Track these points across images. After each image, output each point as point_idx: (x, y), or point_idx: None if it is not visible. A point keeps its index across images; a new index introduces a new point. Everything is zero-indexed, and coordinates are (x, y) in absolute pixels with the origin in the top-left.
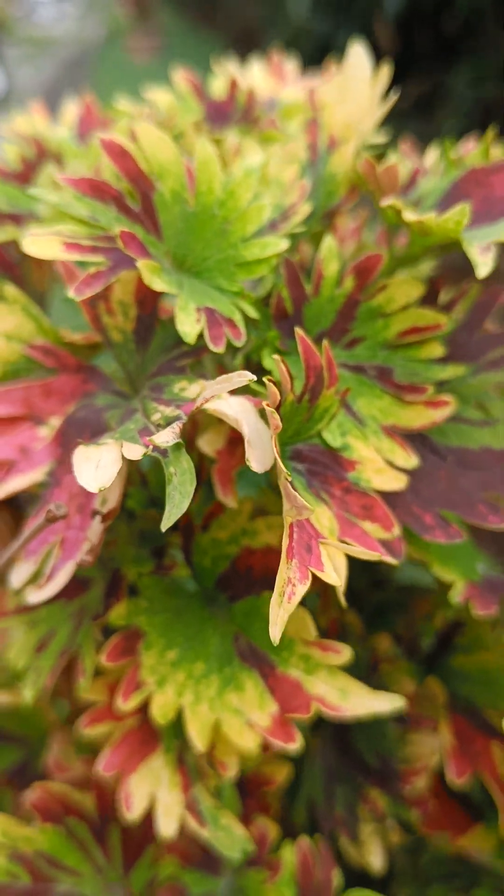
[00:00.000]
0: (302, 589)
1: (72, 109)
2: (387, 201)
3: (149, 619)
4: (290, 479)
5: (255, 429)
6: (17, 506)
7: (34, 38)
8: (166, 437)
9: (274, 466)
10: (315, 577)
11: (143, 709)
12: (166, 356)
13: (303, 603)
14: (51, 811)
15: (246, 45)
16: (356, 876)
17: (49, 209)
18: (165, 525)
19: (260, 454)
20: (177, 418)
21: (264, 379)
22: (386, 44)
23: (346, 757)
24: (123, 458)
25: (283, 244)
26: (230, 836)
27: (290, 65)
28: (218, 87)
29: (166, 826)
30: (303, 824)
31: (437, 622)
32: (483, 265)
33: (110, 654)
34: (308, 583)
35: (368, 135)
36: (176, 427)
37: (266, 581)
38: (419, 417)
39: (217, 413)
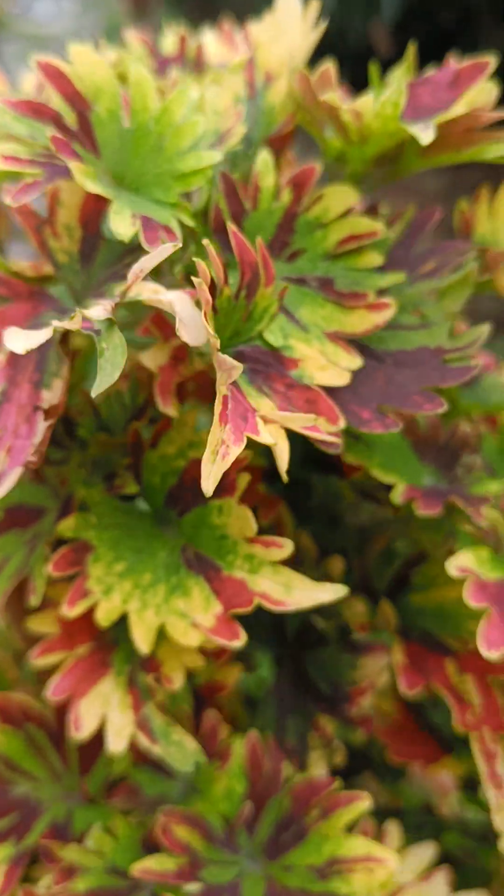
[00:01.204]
0: (236, 450)
1: (30, 78)
2: (323, 96)
3: (98, 534)
4: (218, 346)
5: (189, 309)
6: None
7: (31, 35)
8: (97, 312)
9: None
10: (269, 505)
11: (95, 637)
12: (111, 269)
13: (246, 504)
14: (10, 715)
15: None
16: None
17: None
18: (95, 392)
19: (193, 331)
20: (111, 299)
21: (195, 259)
22: (383, 46)
23: (300, 688)
24: (63, 347)
25: (217, 155)
26: (182, 751)
27: (240, 35)
28: (168, 43)
29: (116, 743)
30: None
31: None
32: (425, 136)
33: (57, 563)
34: (242, 445)
35: (301, 62)
36: (108, 304)
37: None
38: (362, 322)
39: (152, 301)
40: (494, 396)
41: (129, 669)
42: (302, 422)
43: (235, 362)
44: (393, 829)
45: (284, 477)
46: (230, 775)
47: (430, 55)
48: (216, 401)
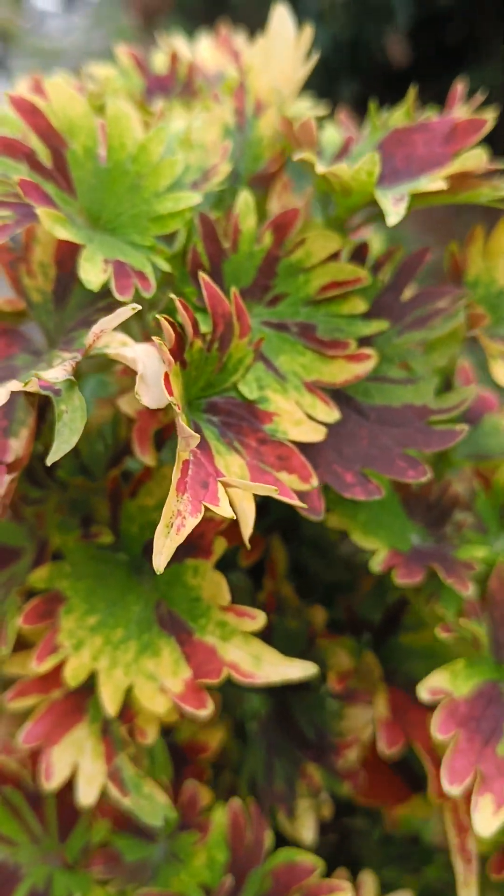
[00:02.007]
0: (192, 521)
1: (22, 86)
2: (299, 155)
3: (72, 584)
4: (178, 411)
5: (152, 368)
6: None
7: (42, 50)
8: (56, 374)
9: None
10: (256, 543)
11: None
12: (83, 313)
13: (223, 570)
14: None
15: None
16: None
17: None
18: (51, 460)
19: (154, 391)
20: (72, 358)
21: (157, 315)
22: (398, 55)
23: (286, 731)
24: (28, 401)
25: (196, 198)
26: (152, 804)
27: (239, 39)
28: (160, 61)
29: (86, 794)
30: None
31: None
32: (394, 214)
33: (28, 615)
34: (199, 516)
35: (289, 98)
36: (68, 365)
37: (190, 548)
38: (342, 372)
39: (118, 357)
40: (493, 442)
41: (102, 717)
42: (265, 491)
43: (192, 433)
44: (368, 881)
45: (247, 544)
46: (211, 846)
47: (443, 62)
48: (175, 466)
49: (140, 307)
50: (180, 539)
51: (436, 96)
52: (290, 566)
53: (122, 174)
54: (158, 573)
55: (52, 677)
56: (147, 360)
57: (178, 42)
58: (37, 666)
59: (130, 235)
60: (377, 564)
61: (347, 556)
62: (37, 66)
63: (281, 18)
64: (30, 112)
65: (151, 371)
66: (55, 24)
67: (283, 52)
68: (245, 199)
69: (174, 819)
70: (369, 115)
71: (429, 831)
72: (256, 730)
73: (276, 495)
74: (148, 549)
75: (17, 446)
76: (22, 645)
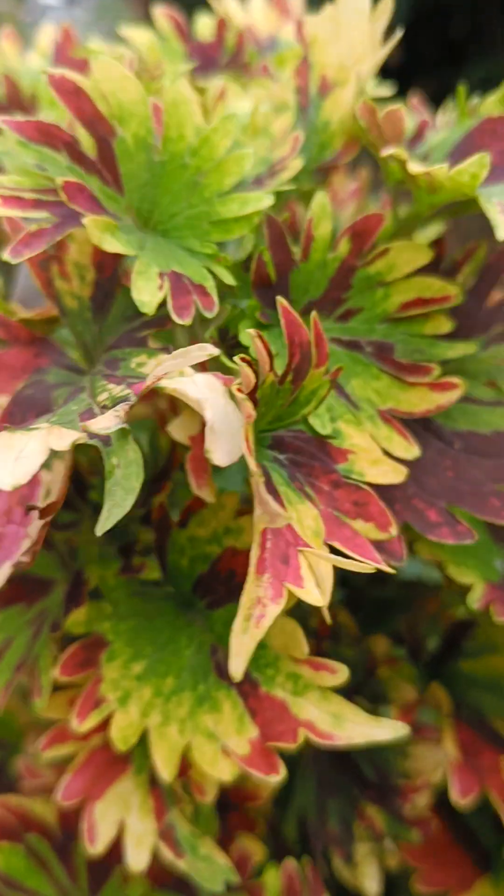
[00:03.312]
0: (275, 609)
1: (48, 35)
2: (388, 151)
3: (113, 626)
4: (262, 479)
5: (222, 413)
6: None
7: None
8: (106, 423)
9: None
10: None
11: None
12: (126, 326)
13: (293, 612)
14: (8, 828)
15: None
16: None
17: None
18: (101, 529)
19: (226, 444)
20: (124, 399)
21: (236, 358)
22: (393, 53)
23: (340, 766)
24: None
25: (266, 200)
26: (211, 867)
27: (297, 1)
28: (204, 27)
29: (137, 858)
30: (294, 840)
31: (444, 623)
32: (501, 228)
33: (65, 665)
34: (283, 602)
35: (367, 80)
36: (120, 410)
37: None
38: (422, 401)
39: (176, 393)
40: None
41: (150, 765)
42: (358, 567)
43: (279, 509)
44: None
45: (327, 618)
46: None
47: (441, 62)
48: (253, 543)
49: (217, 352)
50: (261, 634)
51: (437, 93)
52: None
53: (179, 169)
54: (235, 679)
55: None
56: (212, 399)
57: (227, 2)
58: (79, 724)
59: (187, 240)
60: (475, 602)
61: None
62: None
63: None
64: (73, 94)
65: (219, 414)
66: (57, 17)
67: (355, 24)
68: (321, 203)
69: (232, 883)
70: (456, 98)
71: None
72: (306, 762)
73: (369, 570)
74: (199, 585)
75: (50, 480)
76: (57, 686)
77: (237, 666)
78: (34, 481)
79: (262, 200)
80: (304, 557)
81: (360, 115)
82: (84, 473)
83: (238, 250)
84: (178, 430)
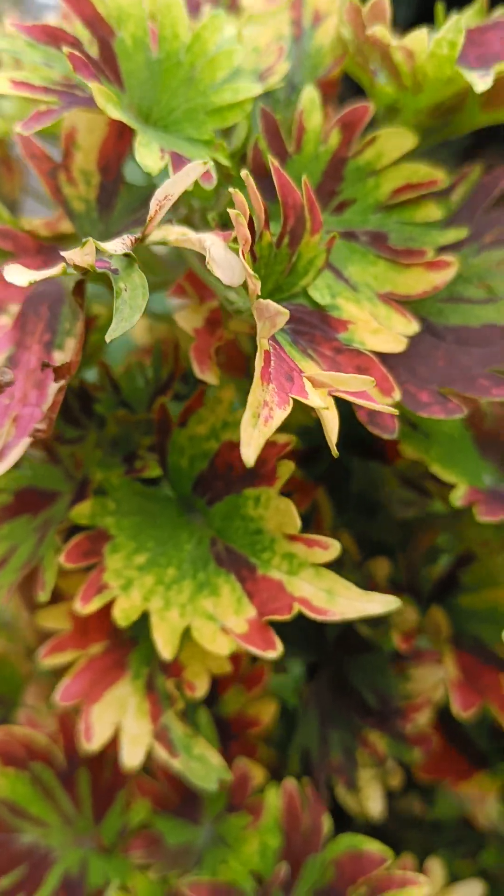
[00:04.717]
0: (281, 414)
1: (51, 17)
2: (371, 30)
3: (117, 522)
4: (259, 293)
5: (221, 250)
6: None
7: None
8: (114, 247)
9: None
10: (305, 492)
11: (110, 634)
12: (131, 217)
13: (288, 496)
14: (13, 755)
15: None
16: (355, 829)
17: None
18: (110, 337)
19: (227, 270)
20: (130, 234)
21: (230, 189)
22: None
23: (343, 699)
24: (77, 302)
25: (256, 88)
26: (205, 766)
27: None
28: None
29: (132, 756)
30: (297, 775)
31: (441, 561)
32: (481, 83)
33: (70, 553)
34: (288, 408)
35: None
36: (127, 239)
37: (248, 478)
38: (419, 282)
39: (179, 241)
40: None
41: (147, 672)
42: (358, 384)
43: (280, 307)
44: (436, 867)
45: (335, 451)
46: (263, 830)
47: None
48: (257, 356)
49: (211, 162)
50: (269, 431)
51: None
52: (336, 523)
53: (175, 66)
54: (248, 465)
55: (91, 630)
56: (214, 244)
57: None
58: (82, 606)
59: (186, 131)
60: (458, 499)
61: (399, 517)
62: None
63: None
64: None
65: (219, 251)
66: (55, 17)
67: None
68: (310, 96)
69: (227, 782)
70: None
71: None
72: (307, 700)
73: (362, 398)
74: (199, 483)
75: (64, 358)
76: (57, 598)
77: (249, 454)
78: (50, 360)
79: (252, 88)
80: (307, 381)
81: (347, 17)
82: (89, 389)
83: (233, 140)
84: (183, 320)
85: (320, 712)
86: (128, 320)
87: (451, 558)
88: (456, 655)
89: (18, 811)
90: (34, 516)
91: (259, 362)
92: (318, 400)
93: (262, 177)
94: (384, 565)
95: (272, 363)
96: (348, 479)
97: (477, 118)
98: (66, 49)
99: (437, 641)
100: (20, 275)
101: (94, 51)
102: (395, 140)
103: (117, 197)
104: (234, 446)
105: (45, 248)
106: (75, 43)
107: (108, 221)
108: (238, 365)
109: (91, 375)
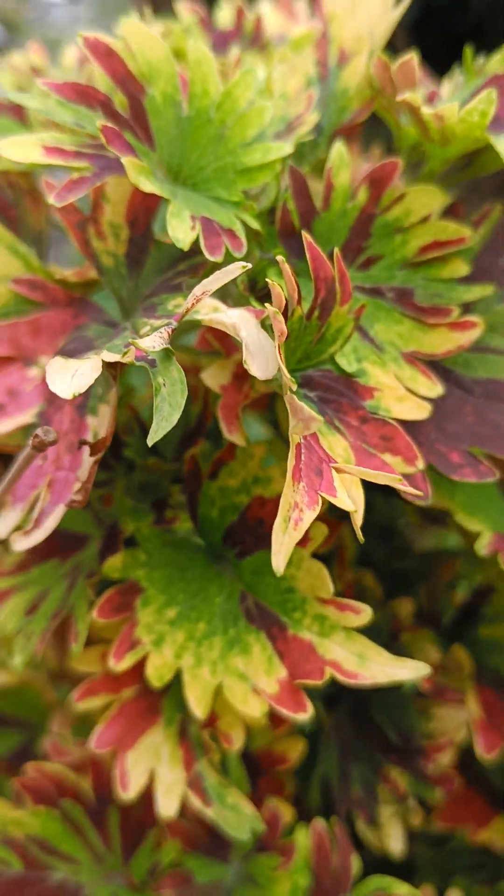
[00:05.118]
0: (310, 515)
1: (71, 51)
2: (402, 95)
3: (147, 574)
4: (294, 387)
5: (255, 336)
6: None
7: (47, 41)
8: (152, 342)
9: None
10: (331, 527)
11: (142, 679)
12: (161, 277)
13: (319, 557)
14: (44, 793)
15: None
16: (374, 862)
17: (38, 128)
18: (152, 439)
19: (261, 362)
20: (166, 325)
21: (267, 279)
22: (401, 46)
23: (364, 732)
24: (111, 373)
25: (287, 147)
26: (238, 815)
27: (300, 3)
28: (224, 16)
29: (167, 805)
30: (317, 806)
31: (461, 591)
32: None
33: (103, 608)
34: (318, 508)
35: (381, 43)
36: (163, 332)
37: None
38: (444, 342)
39: (213, 322)
40: None
41: (180, 718)
42: (385, 479)
43: (315, 414)
44: None
45: (361, 538)
46: (294, 871)
47: (449, 56)
48: (289, 452)
49: (249, 265)
50: (299, 535)
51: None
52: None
53: (205, 123)
54: (278, 574)
55: (123, 675)
56: (246, 325)
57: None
58: (115, 664)
59: (215, 190)
60: (483, 548)
61: (419, 548)
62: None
63: None
64: (105, 55)
65: (252, 336)
66: (60, 14)
67: None
68: (339, 152)
69: (259, 832)
70: (463, 61)
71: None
72: (328, 732)
73: (397, 485)
74: (229, 536)
75: (97, 424)
76: (90, 640)
77: (279, 562)
78: (82, 426)
79: (282, 148)
80: (335, 473)
81: (375, 72)
82: (119, 432)
83: (262, 200)
84: (210, 379)
85: (341, 744)
86: (168, 419)
87: (471, 590)
88: (478, 692)
89: (49, 848)
90: (63, 561)
91: (291, 460)
92: (346, 501)
93: (290, 236)
94: (408, 605)
95: (303, 457)
96: (370, 512)
97: (498, 162)
98: (99, 123)
99: (459, 679)
100: (64, 386)
101: (124, 108)
102: (424, 198)
103: (147, 254)
104: (265, 501)
105: (75, 300)
106: (105, 101)
107: (137, 279)
108: (260, 400)
109: (119, 414)
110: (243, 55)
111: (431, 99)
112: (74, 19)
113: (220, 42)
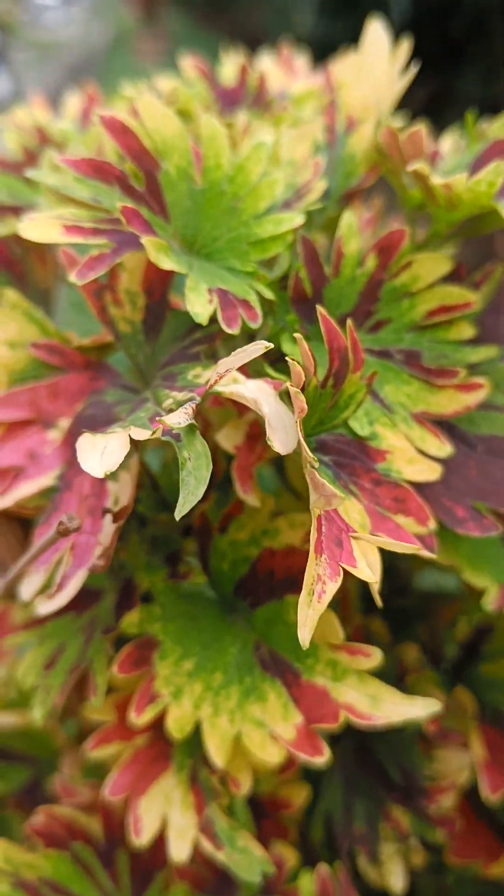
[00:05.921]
0: (333, 587)
1: (74, 102)
2: (413, 166)
3: (163, 627)
4: (316, 465)
5: (275, 410)
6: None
7: (41, 42)
8: (178, 419)
9: (297, 457)
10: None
11: (153, 726)
12: (178, 345)
13: (329, 605)
14: (55, 836)
15: (252, 50)
16: (375, 892)
17: (50, 197)
18: (180, 513)
19: (282, 436)
20: (189, 400)
21: (287, 358)
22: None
23: (366, 769)
24: (132, 441)
25: (298, 219)
26: (248, 858)
27: (301, 59)
28: (227, 72)
29: (179, 849)
30: (320, 841)
31: (462, 629)
32: None
33: (122, 664)
34: (339, 580)
35: (387, 111)
36: (188, 408)
37: (289, 584)
38: (451, 402)
39: (234, 395)
40: None
41: (190, 764)
42: (402, 548)
43: (336, 490)
44: None
45: (379, 603)
46: None
47: (440, 61)
48: (312, 526)
49: (271, 345)
50: (322, 608)
51: (437, 92)
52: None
53: (218, 196)
54: (304, 647)
55: None
56: (265, 398)
57: (241, 57)
58: (136, 717)
59: (229, 261)
60: (489, 604)
61: (420, 589)
62: (36, 59)
63: (375, 33)
64: (121, 132)
65: (273, 411)
66: (54, 16)
67: (377, 66)
68: (349, 223)
69: (269, 874)
70: (464, 125)
71: None
72: (331, 768)
73: (418, 552)
74: (241, 587)
75: (117, 490)
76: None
77: (304, 636)
78: (103, 491)
79: (294, 219)
80: (354, 542)
81: (383, 141)
82: None
83: (275, 269)
84: (224, 440)
85: (344, 779)
86: (194, 493)
87: (471, 626)
88: (482, 732)
89: (60, 890)
90: (79, 614)
91: (313, 533)
92: (367, 572)
93: (301, 302)
94: (413, 650)
95: (323, 528)
96: None
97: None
98: (119, 204)
99: (462, 720)
100: (95, 465)
101: (139, 184)
102: (430, 265)
103: (163, 321)
104: (274, 553)
105: (91, 364)
106: (121, 177)
107: (154, 346)
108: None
109: None
110: (251, 119)
111: (433, 159)
112: (68, 20)
113: (225, 99)
